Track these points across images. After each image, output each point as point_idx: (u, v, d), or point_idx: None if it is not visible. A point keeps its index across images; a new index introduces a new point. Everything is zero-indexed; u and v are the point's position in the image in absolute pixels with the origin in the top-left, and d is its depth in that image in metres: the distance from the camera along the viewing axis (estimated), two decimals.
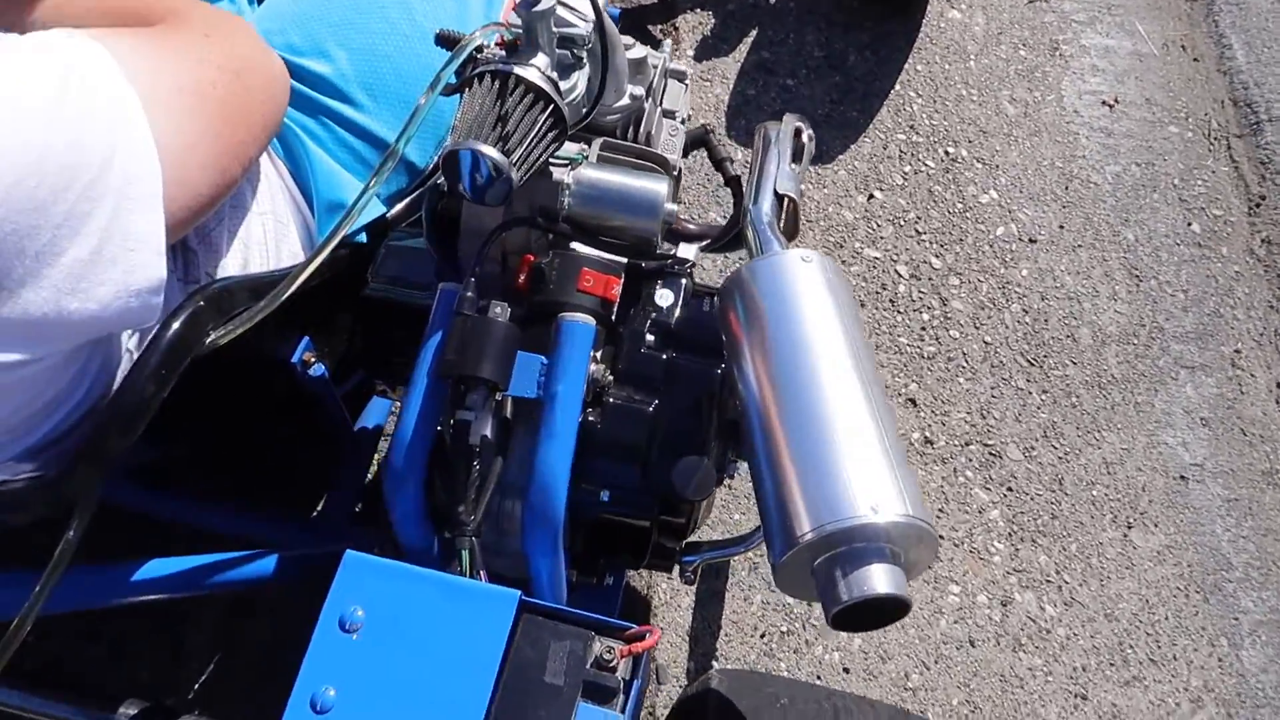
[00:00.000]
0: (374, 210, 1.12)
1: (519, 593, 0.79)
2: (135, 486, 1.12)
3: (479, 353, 0.87)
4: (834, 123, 2.21)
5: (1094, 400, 1.95)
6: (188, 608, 1.27)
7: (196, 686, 1.29)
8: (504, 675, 0.76)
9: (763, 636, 1.62)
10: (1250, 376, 2.05)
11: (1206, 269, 2.18)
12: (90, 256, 0.69)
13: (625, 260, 1.03)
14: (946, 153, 2.21)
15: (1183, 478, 1.90)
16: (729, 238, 1.15)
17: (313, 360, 1.04)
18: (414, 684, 0.75)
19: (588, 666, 0.77)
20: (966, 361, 1.95)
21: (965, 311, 2.01)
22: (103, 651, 1.24)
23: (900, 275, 2.03)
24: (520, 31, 0.90)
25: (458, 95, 0.90)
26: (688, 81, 1.30)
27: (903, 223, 2.09)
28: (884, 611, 0.71)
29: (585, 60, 0.97)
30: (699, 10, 2.32)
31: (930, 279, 2.03)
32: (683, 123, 1.26)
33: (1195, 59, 2.50)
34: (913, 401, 1.90)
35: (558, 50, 0.93)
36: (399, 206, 1.19)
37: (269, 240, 1.01)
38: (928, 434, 1.87)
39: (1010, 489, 1.83)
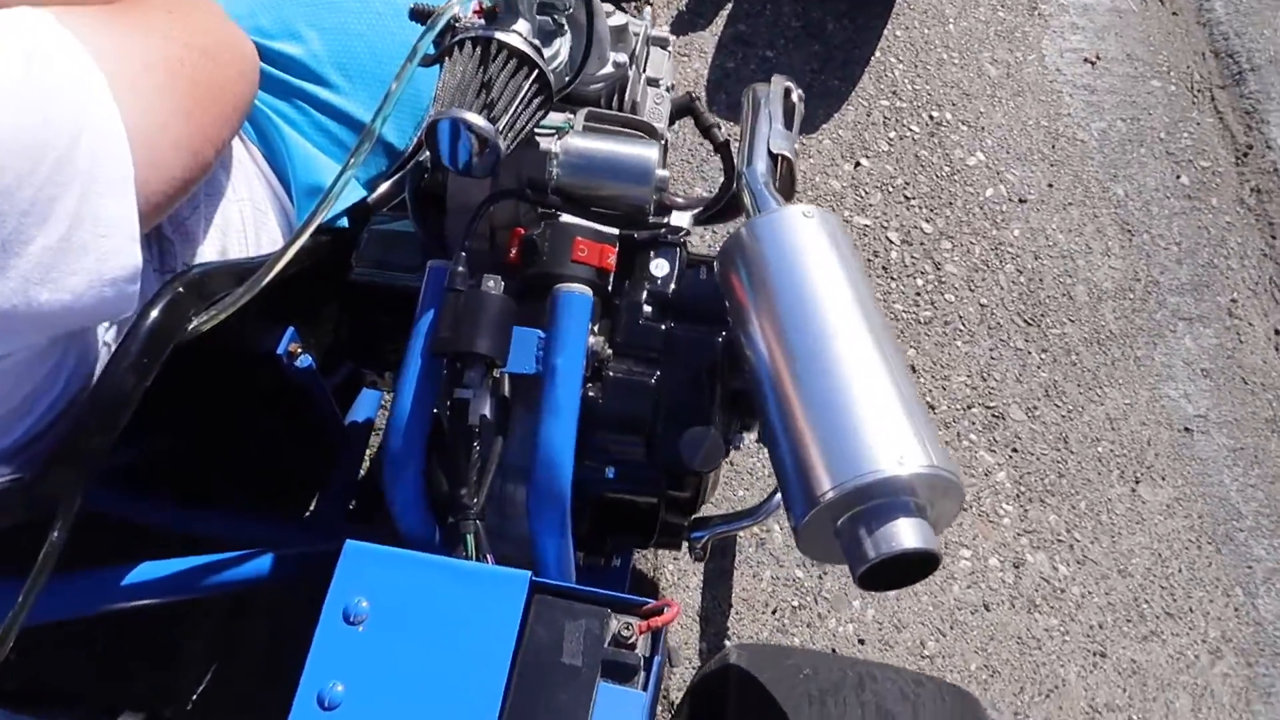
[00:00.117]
0: (355, 194, 1.09)
1: (529, 573, 0.76)
2: (121, 493, 1.08)
3: (474, 328, 0.84)
4: (816, 92, 2.18)
5: (1094, 357, 1.93)
6: (182, 614, 1.23)
7: (195, 696, 1.26)
8: (519, 659, 0.72)
9: (774, 613, 1.59)
10: (1248, 325, 2.03)
11: (1198, 220, 2.16)
12: (59, 244, 0.65)
13: (618, 231, 0.99)
14: (931, 117, 2.18)
15: (1187, 429, 1.88)
16: (722, 205, 1.12)
17: (299, 351, 1.00)
18: (425, 674, 0.72)
19: (606, 645, 0.74)
20: (963, 325, 1.92)
21: (959, 275, 1.98)
22: (96, 664, 1.20)
23: (892, 242, 2.00)
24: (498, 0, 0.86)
25: (437, 69, 0.86)
26: (670, 49, 1.27)
27: (891, 189, 2.07)
28: (912, 568, 0.68)
29: (566, 27, 0.94)
30: None
31: (922, 244, 2.01)
32: (668, 90, 1.23)
33: (1174, 12, 2.48)
34: (911, 367, 1.87)
35: (538, 16, 0.89)
36: (381, 189, 1.16)
37: (247, 228, 0.97)
38: (929, 399, 1.84)
39: (1015, 450, 1.80)
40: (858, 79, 2.21)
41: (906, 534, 0.66)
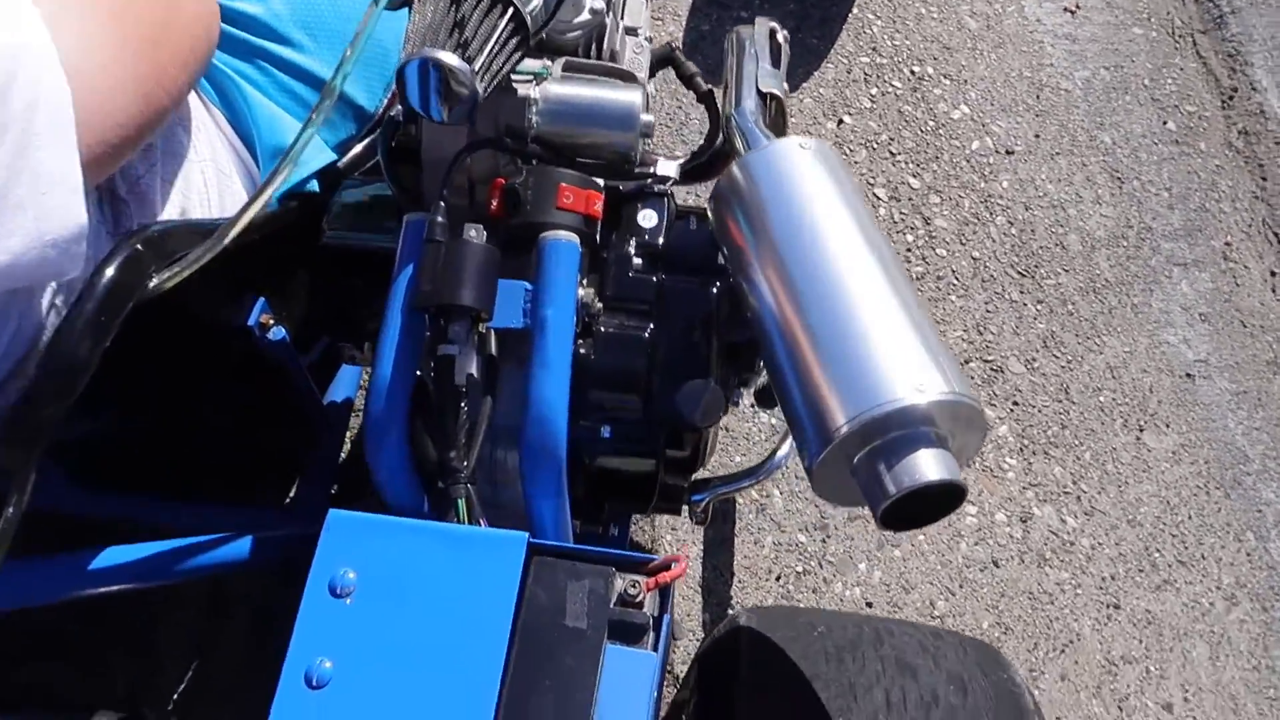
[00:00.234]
0: (324, 157, 1.04)
1: (527, 534, 0.71)
2: (86, 489, 1.02)
3: (457, 279, 0.79)
4: (794, 51, 2.12)
5: (1090, 306, 1.89)
6: (159, 611, 1.18)
7: (175, 695, 1.20)
8: (519, 625, 0.68)
9: (778, 579, 1.55)
10: (1244, 268, 2.00)
11: (1187, 165, 2.13)
12: None
13: (603, 181, 0.95)
14: (912, 72, 2.14)
15: (1189, 375, 1.85)
16: (708, 157, 1.07)
17: (271, 323, 0.95)
18: (419, 646, 0.67)
19: (612, 605, 0.69)
20: (957, 279, 1.88)
21: (950, 229, 1.94)
22: (73, 663, 1.15)
23: (880, 198, 1.95)
24: None
25: (405, 13, 0.81)
26: None
27: (876, 145, 2.02)
28: (937, 502, 0.63)
29: None
30: None
31: (910, 199, 1.96)
32: (647, 40, 1.18)
33: None
34: None
35: None
36: (352, 152, 1.11)
37: (210, 190, 0.92)
38: None
39: (1016, 403, 1.77)
40: (836, 36, 2.16)
41: (929, 466, 0.61)
